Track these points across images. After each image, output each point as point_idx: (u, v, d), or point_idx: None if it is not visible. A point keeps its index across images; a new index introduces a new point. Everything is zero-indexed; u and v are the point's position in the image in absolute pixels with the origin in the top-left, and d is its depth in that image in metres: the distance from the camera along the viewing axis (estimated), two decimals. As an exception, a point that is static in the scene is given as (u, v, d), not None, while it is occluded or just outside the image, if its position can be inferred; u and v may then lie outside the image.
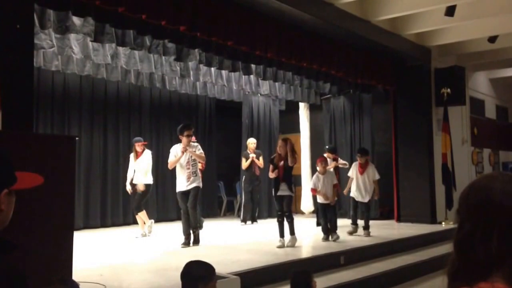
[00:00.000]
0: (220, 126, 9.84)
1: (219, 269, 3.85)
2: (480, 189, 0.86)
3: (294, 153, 5.68)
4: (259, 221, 8.25)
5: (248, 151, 7.99)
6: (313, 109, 9.93)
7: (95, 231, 7.13)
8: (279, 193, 5.67)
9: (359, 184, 6.70)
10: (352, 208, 6.83)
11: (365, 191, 6.67)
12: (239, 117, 9.20)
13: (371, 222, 8.37)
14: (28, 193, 1.10)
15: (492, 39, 7.72)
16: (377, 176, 6.72)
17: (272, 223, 7.22)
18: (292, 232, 5.66)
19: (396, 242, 6.36)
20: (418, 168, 8.22)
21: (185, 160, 5.69)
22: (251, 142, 8.05)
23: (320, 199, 6.25)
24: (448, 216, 8.12)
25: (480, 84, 10.68)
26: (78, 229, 6.62)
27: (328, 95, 9.35)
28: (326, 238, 6.08)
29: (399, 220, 8.26)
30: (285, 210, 5.69)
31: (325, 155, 7.18)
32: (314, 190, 6.26)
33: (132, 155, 6.68)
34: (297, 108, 9.91)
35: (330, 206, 6.20)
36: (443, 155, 8.28)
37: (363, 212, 6.75)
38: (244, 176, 7.99)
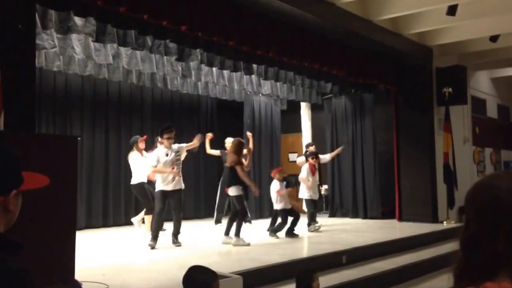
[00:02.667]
0: (222, 126, 9.83)
1: (221, 269, 3.86)
2: (486, 188, 0.85)
3: (234, 153, 5.80)
4: (257, 221, 8.23)
5: (225, 151, 7.85)
6: (314, 109, 9.92)
7: (97, 231, 7.14)
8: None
9: (314, 184, 7.16)
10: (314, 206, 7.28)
11: (317, 190, 7.29)
12: (241, 117, 9.20)
13: (372, 221, 8.41)
14: (30, 193, 1.10)
15: (494, 38, 7.70)
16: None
17: (265, 223, 7.23)
18: (236, 233, 5.68)
19: (398, 241, 6.36)
20: (420, 168, 8.21)
21: (171, 161, 5.63)
22: (228, 142, 7.77)
23: (283, 204, 6.50)
24: (449, 215, 8.11)
25: (481, 83, 10.66)
26: (80, 228, 6.63)
27: (330, 95, 9.35)
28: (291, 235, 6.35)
29: (400, 219, 8.26)
30: (235, 210, 5.85)
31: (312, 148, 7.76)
32: (279, 192, 6.57)
33: (135, 153, 6.44)
34: (298, 108, 9.90)
35: (292, 210, 6.61)
36: (444, 154, 8.27)
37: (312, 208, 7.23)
38: (222, 178, 7.83)
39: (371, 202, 8.74)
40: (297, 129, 10.01)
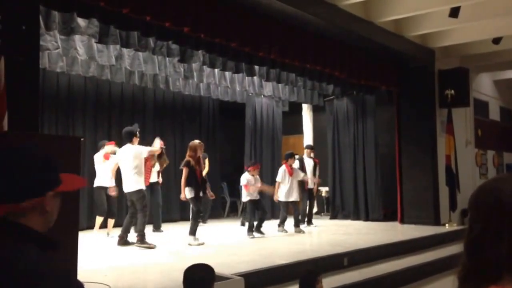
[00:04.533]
0: (224, 127, 9.85)
1: (223, 270, 3.86)
2: (490, 191, 0.85)
3: (188, 156, 5.89)
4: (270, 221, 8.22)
5: None
6: (316, 110, 9.93)
7: (99, 231, 7.14)
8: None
9: (291, 186, 7.15)
10: (287, 209, 7.31)
11: (295, 191, 7.19)
12: (243, 118, 9.21)
13: (374, 224, 8.40)
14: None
15: (496, 41, 7.69)
16: (301, 176, 7.38)
17: (274, 224, 7.24)
18: (190, 232, 5.79)
19: (400, 243, 6.34)
20: (422, 170, 8.19)
21: (142, 162, 5.78)
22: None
23: (250, 195, 6.61)
24: (452, 218, 8.09)
25: (484, 85, 10.65)
26: (82, 229, 6.65)
27: (331, 97, 9.35)
28: (251, 234, 6.50)
29: (402, 221, 8.24)
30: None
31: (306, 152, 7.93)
32: (246, 186, 6.66)
33: (99, 155, 6.44)
34: (300, 109, 9.91)
35: (260, 203, 6.67)
36: (446, 156, 8.25)
37: (295, 210, 7.20)
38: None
39: (373, 204, 8.72)
40: (299, 130, 10.02)
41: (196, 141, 6.16)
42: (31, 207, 0.96)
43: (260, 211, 6.65)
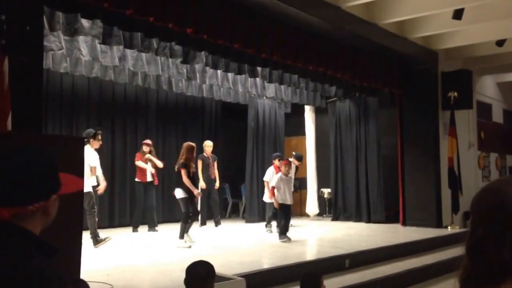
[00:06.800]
0: (226, 128, 9.87)
1: (224, 271, 3.87)
2: (493, 193, 0.85)
3: (182, 157, 5.92)
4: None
5: (205, 154, 7.84)
6: (318, 112, 9.92)
7: (102, 232, 7.15)
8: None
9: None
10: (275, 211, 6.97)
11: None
12: (245, 119, 9.22)
13: (376, 226, 8.39)
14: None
15: (500, 43, 7.67)
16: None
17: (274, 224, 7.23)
18: (180, 235, 5.78)
19: (402, 246, 6.33)
20: (424, 172, 8.18)
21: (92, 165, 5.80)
22: (208, 145, 7.86)
23: (280, 200, 6.36)
24: (454, 220, 8.07)
25: (487, 88, 10.62)
26: (86, 229, 6.65)
27: (334, 98, 9.35)
28: (286, 237, 6.20)
29: (404, 224, 8.22)
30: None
31: (291, 159, 7.45)
32: (273, 188, 6.42)
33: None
34: (302, 111, 9.91)
35: (288, 207, 6.43)
36: (449, 159, 8.23)
37: (275, 213, 6.91)
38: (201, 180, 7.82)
39: (375, 206, 8.71)
40: (301, 132, 10.01)
41: (190, 143, 6.17)
42: (36, 210, 0.96)
43: (288, 215, 6.44)
